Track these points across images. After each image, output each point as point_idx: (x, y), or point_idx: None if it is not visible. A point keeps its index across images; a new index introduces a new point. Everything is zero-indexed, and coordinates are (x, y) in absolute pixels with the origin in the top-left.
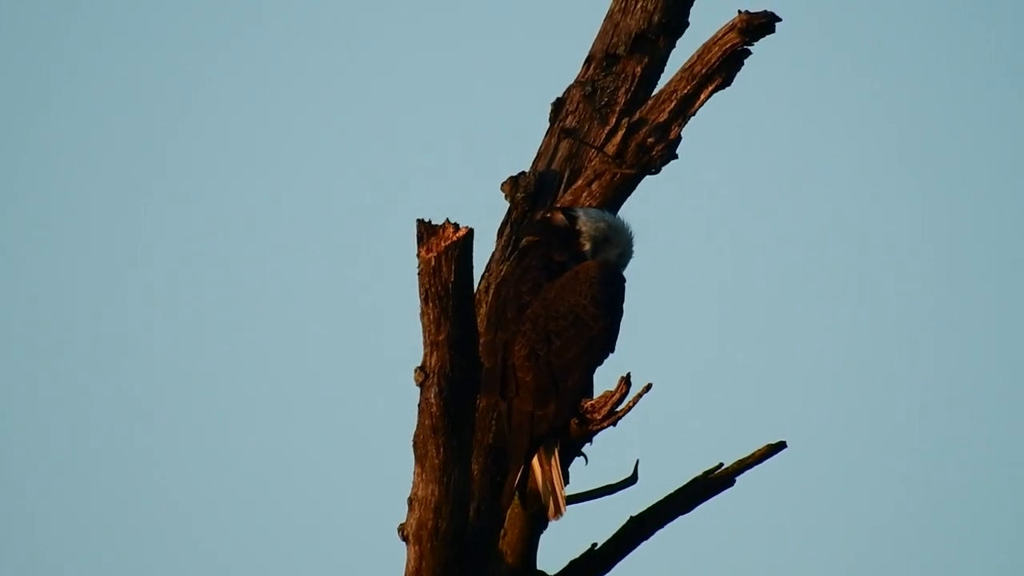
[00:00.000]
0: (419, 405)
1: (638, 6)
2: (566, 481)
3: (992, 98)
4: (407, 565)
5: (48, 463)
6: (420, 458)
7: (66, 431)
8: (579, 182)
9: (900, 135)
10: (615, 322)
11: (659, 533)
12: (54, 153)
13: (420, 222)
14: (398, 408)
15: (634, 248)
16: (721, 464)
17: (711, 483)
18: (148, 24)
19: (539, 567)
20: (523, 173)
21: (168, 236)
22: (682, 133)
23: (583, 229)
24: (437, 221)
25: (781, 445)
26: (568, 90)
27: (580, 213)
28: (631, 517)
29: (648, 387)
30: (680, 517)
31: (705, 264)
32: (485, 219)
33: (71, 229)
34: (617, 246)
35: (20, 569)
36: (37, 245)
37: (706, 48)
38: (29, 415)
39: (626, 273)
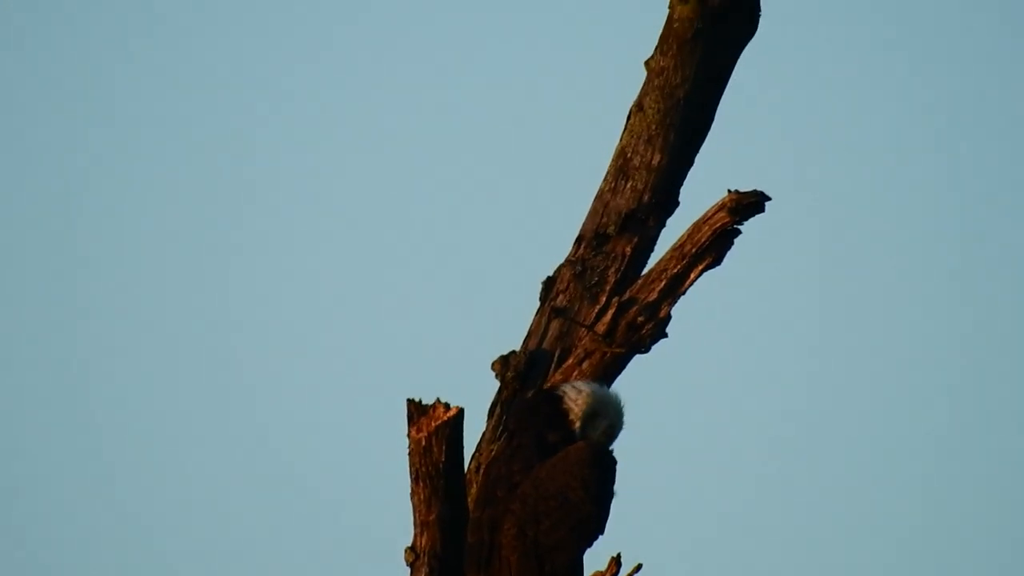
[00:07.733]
0: None
1: (628, 186)
2: None
3: (995, 92)
4: None
5: (52, 463)
6: None
7: (69, 431)
8: (569, 361)
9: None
10: (605, 505)
11: None
12: (54, 153)
13: (410, 402)
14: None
15: (624, 418)
16: None
17: None
18: (149, 22)
19: None
20: (513, 352)
21: (165, 245)
22: (672, 312)
23: (570, 407)
24: (427, 401)
25: None
26: (558, 269)
27: (566, 390)
28: None
29: (638, 567)
30: None
31: (698, 443)
32: (475, 399)
33: (73, 228)
34: (606, 418)
35: (20, 569)
36: (37, 245)
37: (696, 227)
38: (41, 416)
39: (618, 449)
